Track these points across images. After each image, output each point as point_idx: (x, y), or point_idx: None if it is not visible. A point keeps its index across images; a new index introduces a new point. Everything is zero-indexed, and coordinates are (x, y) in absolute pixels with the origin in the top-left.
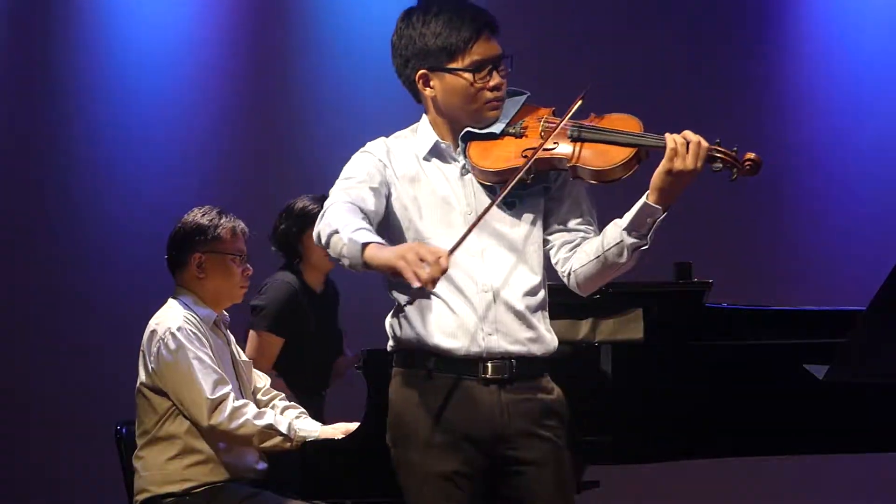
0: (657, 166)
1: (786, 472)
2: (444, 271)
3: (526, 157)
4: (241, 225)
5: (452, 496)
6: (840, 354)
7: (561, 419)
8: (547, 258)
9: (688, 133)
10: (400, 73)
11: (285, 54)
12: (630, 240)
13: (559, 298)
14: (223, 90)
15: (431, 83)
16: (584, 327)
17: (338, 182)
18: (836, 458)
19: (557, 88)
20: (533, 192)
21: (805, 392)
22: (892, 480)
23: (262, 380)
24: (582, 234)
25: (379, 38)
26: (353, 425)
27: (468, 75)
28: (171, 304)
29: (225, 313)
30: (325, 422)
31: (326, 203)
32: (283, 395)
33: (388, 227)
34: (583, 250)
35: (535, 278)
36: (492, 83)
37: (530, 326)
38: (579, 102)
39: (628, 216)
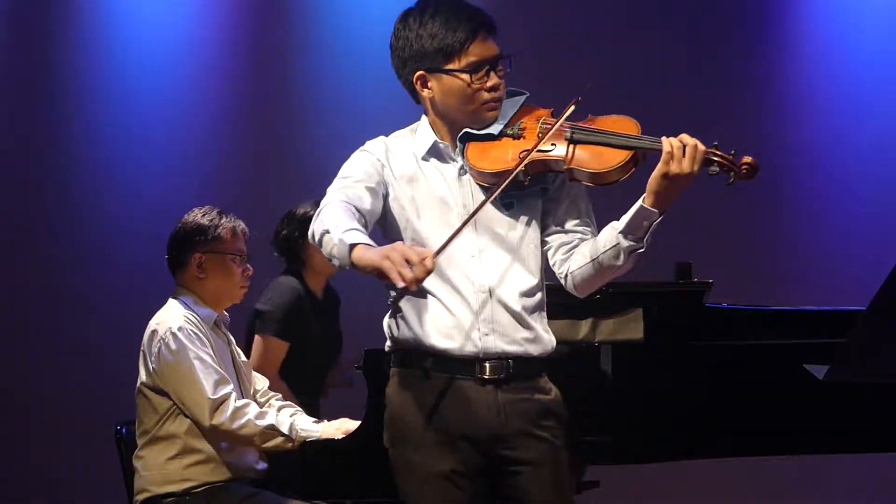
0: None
1: (786, 472)
2: (428, 272)
3: (522, 159)
4: (241, 225)
5: (451, 496)
6: (840, 354)
7: (558, 419)
8: (545, 259)
9: (684, 136)
10: (398, 74)
11: (285, 54)
12: (626, 243)
13: (559, 298)
14: (223, 90)
15: (429, 84)
16: (584, 327)
17: (335, 181)
18: (836, 458)
19: (557, 89)
20: (531, 193)
21: (805, 392)
22: (892, 480)
23: (260, 381)
24: (580, 235)
25: (379, 38)
26: (354, 422)
27: (465, 76)
28: (172, 303)
29: (225, 313)
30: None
31: (323, 202)
32: (280, 395)
33: (387, 226)
34: (580, 252)
35: (533, 279)
36: (489, 84)
37: (527, 327)
38: (572, 108)
39: (625, 219)
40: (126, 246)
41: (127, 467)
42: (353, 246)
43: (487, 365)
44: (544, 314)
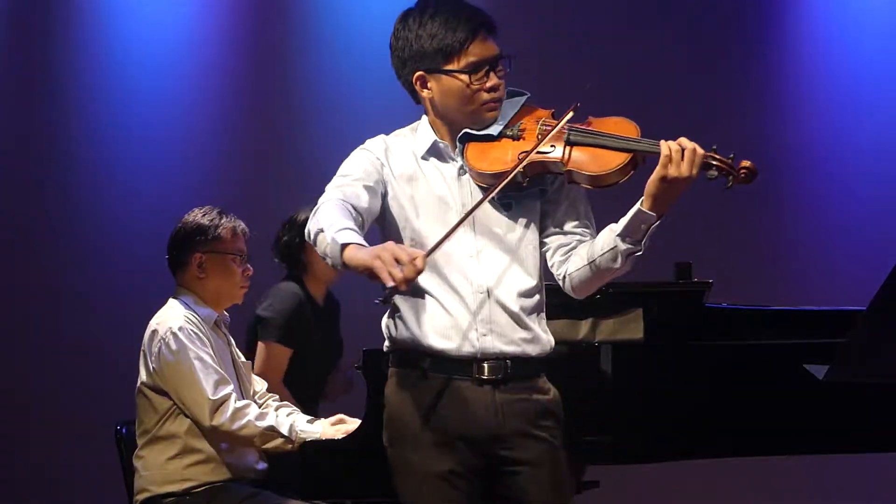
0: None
1: (786, 472)
2: (418, 272)
3: (521, 160)
4: (241, 225)
5: (449, 496)
6: (840, 354)
7: (557, 419)
8: (544, 260)
9: (683, 140)
10: (398, 74)
11: (285, 54)
12: (624, 246)
13: (559, 299)
14: (223, 90)
15: (429, 85)
16: (584, 327)
17: (334, 178)
18: (836, 458)
19: (557, 89)
20: (530, 194)
21: (805, 392)
22: (892, 480)
23: (258, 384)
24: (578, 237)
25: (379, 37)
26: (351, 419)
27: (464, 77)
28: (172, 303)
29: (225, 313)
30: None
31: (320, 200)
32: (277, 396)
33: (386, 225)
34: (578, 254)
35: (531, 280)
36: (489, 84)
37: (525, 327)
38: (570, 113)
39: (622, 222)
40: (126, 246)
41: (127, 467)
42: (344, 245)
43: (485, 365)
44: (543, 315)
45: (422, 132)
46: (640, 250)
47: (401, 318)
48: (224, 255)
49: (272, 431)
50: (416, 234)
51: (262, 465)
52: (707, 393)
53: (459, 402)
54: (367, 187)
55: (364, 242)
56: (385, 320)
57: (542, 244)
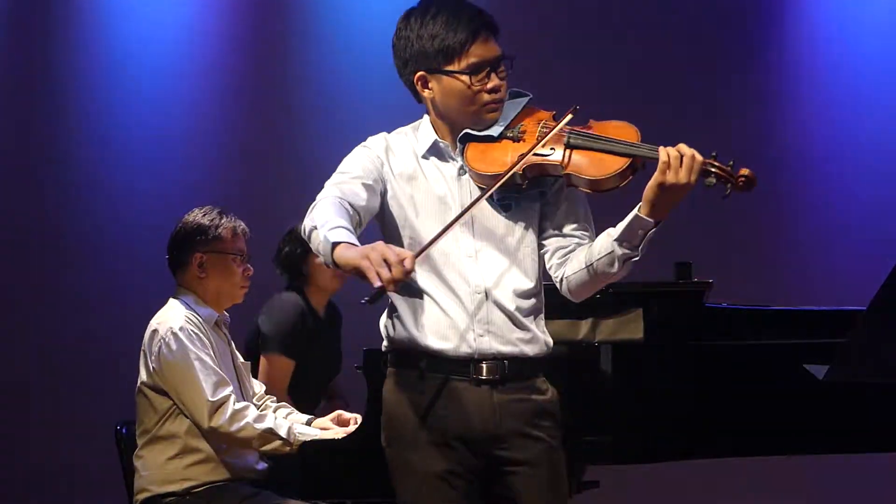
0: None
1: (786, 472)
2: (407, 273)
3: (519, 162)
4: (241, 225)
5: (447, 496)
6: (840, 354)
7: (555, 420)
8: (542, 262)
9: (682, 146)
10: (400, 73)
11: (285, 53)
12: (621, 251)
13: (559, 299)
14: (223, 90)
15: (430, 85)
16: (584, 327)
17: (334, 175)
18: (836, 458)
19: (557, 89)
20: (529, 196)
21: (805, 392)
22: (892, 480)
23: (257, 387)
24: (577, 240)
25: (380, 35)
26: (347, 414)
27: (465, 77)
28: (173, 303)
29: (226, 314)
30: None
31: (318, 196)
32: (275, 397)
33: (385, 224)
34: (575, 257)
35: (529, 281)
36: (490, 85)
37: (522, 327)
38: (569, 116)
39: (620, 227)
40: (126, 246)
41: (127, 467)
42: (335, 244)
43: (483, 366)
44: (542, 316)
45: (423, 131)
46: (637, 255)
47: (399, 317)
48: (224, 255)
49: (270, 433)
50: (414, 233)
51: (262, 465)
52: (707, 393)
53: (457, 403)
54: (365, 185)
55: (356, 241)
56: (383, 320)
57: (540, 246)
